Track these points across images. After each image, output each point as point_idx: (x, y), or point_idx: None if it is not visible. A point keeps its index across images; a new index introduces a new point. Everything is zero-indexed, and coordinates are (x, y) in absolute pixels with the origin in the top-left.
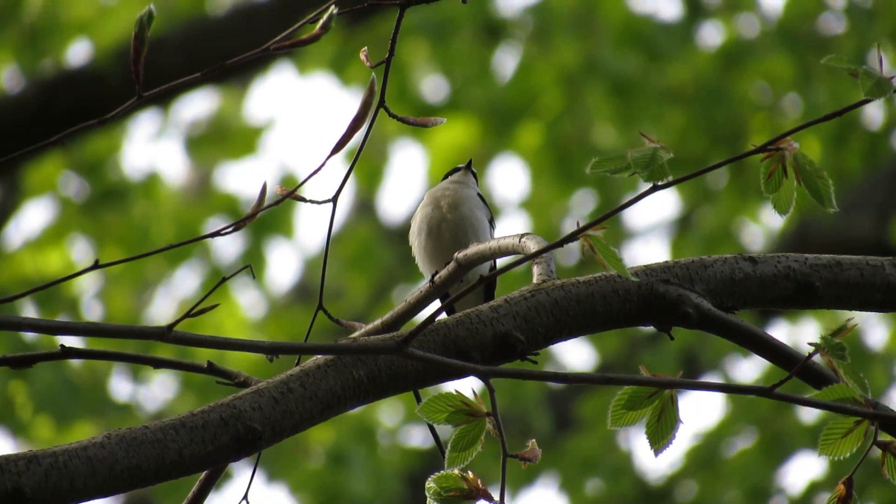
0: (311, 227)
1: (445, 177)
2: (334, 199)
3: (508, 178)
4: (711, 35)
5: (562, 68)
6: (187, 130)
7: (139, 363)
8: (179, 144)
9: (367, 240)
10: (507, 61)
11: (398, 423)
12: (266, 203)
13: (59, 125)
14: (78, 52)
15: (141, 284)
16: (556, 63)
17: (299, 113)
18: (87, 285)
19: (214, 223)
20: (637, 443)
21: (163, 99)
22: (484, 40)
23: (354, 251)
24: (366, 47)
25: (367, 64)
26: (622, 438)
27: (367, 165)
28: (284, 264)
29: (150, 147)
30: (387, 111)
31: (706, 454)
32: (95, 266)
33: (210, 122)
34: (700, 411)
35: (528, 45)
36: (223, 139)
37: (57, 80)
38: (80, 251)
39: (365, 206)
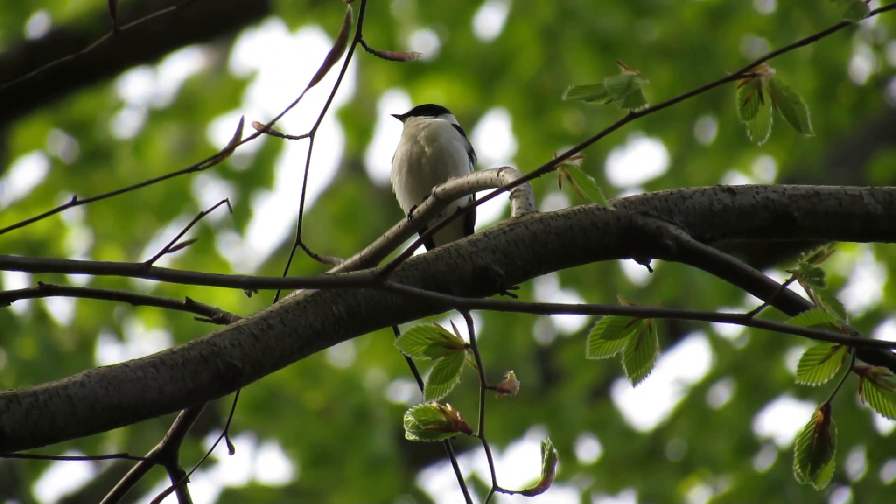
0: (297, 185)
1: (416, 112)
2: (311, 134)
3: (494, 137)
4: None
5: (541, 24)
6: (169, 97)
7: (117, 300)
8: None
9: (355, 199)
10: (491, 19)
11: (385, 380)
12: (244, 138)
13: (44, 85)
14: (63, 13)
15: (131, 243)
16: (538, 19)
17: (285, 68)
18: (77, 244)
19: (203, 181)
20: (624, 399)
21: (149, 58)
22: None
23: (343, 210)
24: None
25: None
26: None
27: (355, 124)
28: (271, 222)
29: (137, 110)
30: (363, 45)
31: (693, 406)
32: (74, 203)
33: (192, 87)
34: (686, 366)
35: (513, 2)
36: (203, 104)
37: (42, 41)
38: (68, 210)
39: (354, 165)
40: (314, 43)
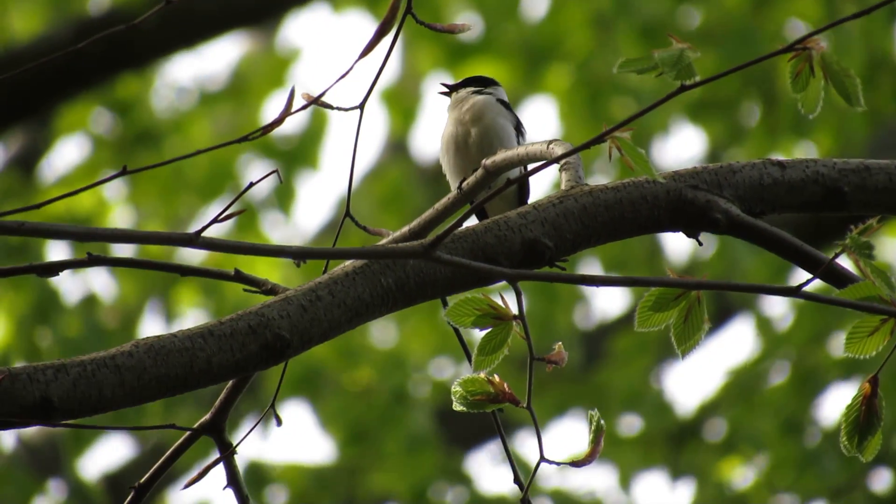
0: (342, 166)
1: (464, 84)
2: (361, 106)
3: (540, 119)
4: None
5: (592, 9)
6: (217, 80)
7: (166, 270)
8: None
9: (400, 180)
10: (538, 2)
11: (427, 358)
12: (293, 109)
13: (92, 68)
14: None
15: (174, 221)
16: (586, 4)
17: (332, 51)
18: (121, 222)
19: (247, 159)
20: (668, 380)
21: (197, 41)
22: None
23: (388, 192)
24: None
25: None
26: (654, 378)
27: (400, 105)
28: (315, 203)
29: (185, 92)
30: (413, 17)
31: (739, 389)
32: (123, 172)
33: (239, 69)
34: (733, 349)
35: None
36: (249, 86)
37: (90, 24)
38: (112, 188)
39: (399, 146)
40: (360, 24)
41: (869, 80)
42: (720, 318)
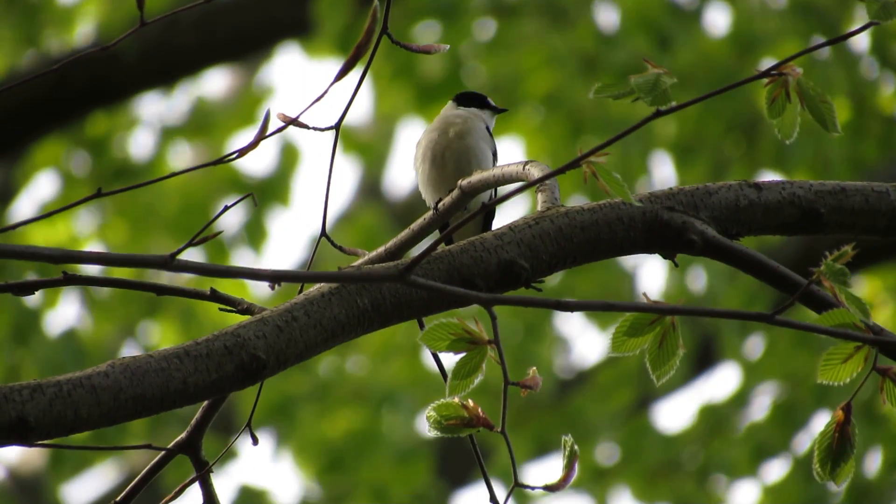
0: (314, 207)
1: (467, 97)
2: (337, 127)
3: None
4: (719, 20)
5: (571, 49)
6: (185, 115)
7: (141, 290)
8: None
9: (372, 224)
10: (513, 40)
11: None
12: (269, 132)
13: (71, 104)
14: (88, 32)
15: None
16: (568, 42)
17: (307, 92)
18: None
19: (219, 196)
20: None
21: (169, 78)
22: (496, 16)
23: (361, 235)
24: None
25: None
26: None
27: (371, 148)
28: (287, 242)
29: (154, 131)
30: (390, 38)
31: (716, 421)
32: (99, 194)
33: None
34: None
35: (536, 24)
36: (218, 122)
37: (67, 56)
38: (84, 221)
39: (370, 189)
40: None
41: (855, 126)
42: (704, 364)
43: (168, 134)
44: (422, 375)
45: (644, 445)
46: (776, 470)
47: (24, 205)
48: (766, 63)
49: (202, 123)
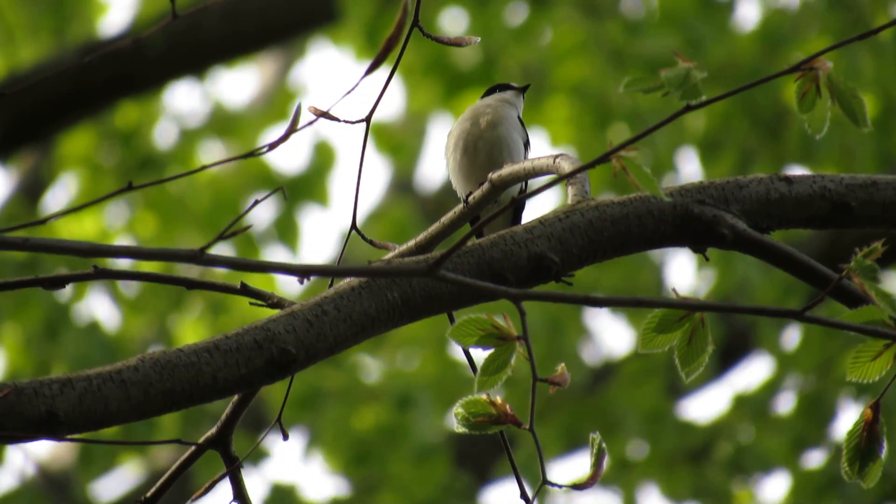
0: (345, 205)
1: (493, 91)
2: (368, 119)
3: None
4: (749, 14)
5: (599, 40)
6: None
7: (172, 284)
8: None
9: (403, 219)
10: (545, 26)
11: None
12: (300, 125)
13: (97, 96)
14: (116, 24)
15: None
16: (598, 34)
17: (338, 89)
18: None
19: (249, 192)
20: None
21: (198, 68)
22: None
23: (391, 230)
24: None
25: None
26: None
27: (402, 144)
28: (319, 240)
29: (185, 121)
30: (420, 30)
31: (750, 411)
32: (129, 188)
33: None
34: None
35: (569, 13)
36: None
37: (95, 47)
38: (113, 215)
39: (402, 185)
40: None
41: (883, 125)
42: (735, 355)
43: (192, 134)
44: (448, 368)
45: (671, 437)
46: (811, 460)
47: (54, 198)
48: (795, 59)
49: (230, 122)
